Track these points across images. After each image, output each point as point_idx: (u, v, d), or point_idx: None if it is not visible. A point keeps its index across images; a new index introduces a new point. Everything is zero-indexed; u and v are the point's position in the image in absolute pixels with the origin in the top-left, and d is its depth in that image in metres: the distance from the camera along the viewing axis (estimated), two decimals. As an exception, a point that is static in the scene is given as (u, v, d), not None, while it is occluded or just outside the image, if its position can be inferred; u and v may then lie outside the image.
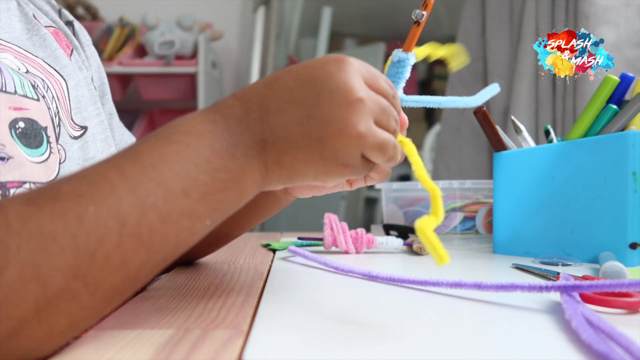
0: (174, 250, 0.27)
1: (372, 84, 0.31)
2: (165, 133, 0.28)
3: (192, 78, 1.74)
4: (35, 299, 0.22)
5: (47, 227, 0.23)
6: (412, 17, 0.34)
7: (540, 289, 0.32)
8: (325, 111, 0.29)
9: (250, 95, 0.30)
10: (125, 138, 0.61)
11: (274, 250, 0.64)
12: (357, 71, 0.30)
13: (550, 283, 0.32)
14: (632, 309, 0.32)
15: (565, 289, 0.32)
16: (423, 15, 0.34)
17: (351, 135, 0.29)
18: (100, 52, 1.70)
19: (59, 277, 0.23)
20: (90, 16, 1.87)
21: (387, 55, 2.50)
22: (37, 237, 0.23)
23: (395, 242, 0.64)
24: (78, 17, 1.83)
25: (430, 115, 2.53)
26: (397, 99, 0.34)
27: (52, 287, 0.23)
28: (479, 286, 0.34)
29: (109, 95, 0.58)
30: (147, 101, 1.88)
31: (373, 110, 0.31)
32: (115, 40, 1.73)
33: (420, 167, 0.32)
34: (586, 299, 0.32)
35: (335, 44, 2.43)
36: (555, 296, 0.36)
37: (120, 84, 1.76)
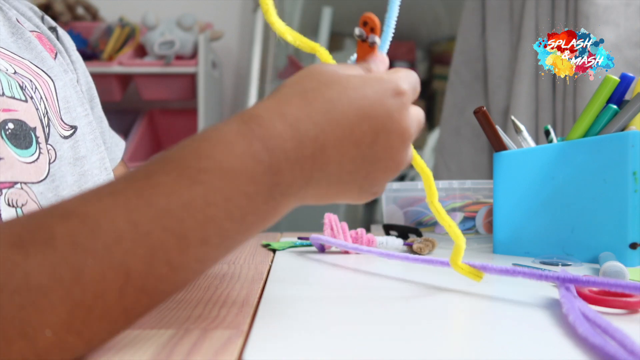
0: (179, 291, 0.25)
1: (415, 96, 0.32)
2: (190, 166, 0.23)
3: (192, 78, 1.74)
4: (23, 357, 0.20)
5: (36, 279, 0.20)
6: (356, 33, 0.33)
7: (540, 276, 0.34)
8: (379, 150, 0.29)
9: (306, 124, 0.26)
10: (116, 141, 0.61)
11: (274, 250, 0.64)
12: (410, 100, 0.30)
13: (550, 272, 0.33)
14: (632, 309, 0.32)
15: (563, 280, 0.33)
16: (374, 40, 0.33)
17: (397, 171, 0.31)
18: (100, 52, 1.70)
19: (50, 333, 0.20)
20: (90, 16, 1.87)
21: (387, 55, 2.50)
22: (24, 291, 0.20)
23: (395, 242, 0.64)
24: (78, 17, 1.83)
25: (430, 115, 2.53)
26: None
27: (42, 343, 0.20)
28: (484, 268, 0.38)
29: (97, 100, 0.58)
30: (147, 101, 1.87)
31: (416, 132, 0.31)
32: (115, 40, 1.73)
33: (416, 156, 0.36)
34: (586, 298, 0.32)
35: (335, 44, 2.42)
36: (554, 292, 0.36)
37: (120, 84, 1.76)
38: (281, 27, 0.32)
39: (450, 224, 0.37)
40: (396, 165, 0.30)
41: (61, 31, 0.56)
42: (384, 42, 0.35)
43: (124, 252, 0.22)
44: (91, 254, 0.21)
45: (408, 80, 0.30)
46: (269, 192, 0.25)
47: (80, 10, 1.85)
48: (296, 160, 0.25)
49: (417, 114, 0.32)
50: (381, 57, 0.34)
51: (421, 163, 0.37)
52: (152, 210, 0.22)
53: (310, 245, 0.67)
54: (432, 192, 0.37)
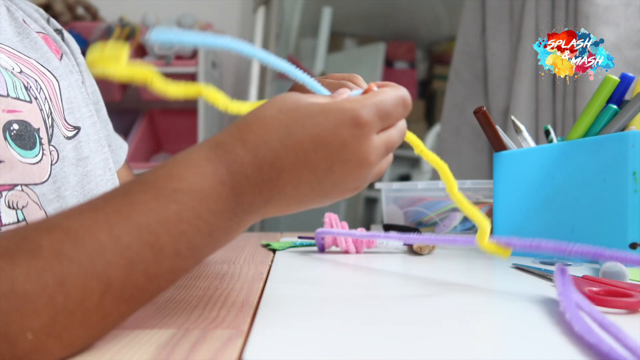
0: (154, 299, 0.27)
1: (386, 123, 0.31)
2: (165, 187, 0.26)
3: (192, 78, 1.74)
4: (1, 356, 0.21)
5: (22, 286, 0.22)
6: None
7: (564, 251, 0.34)
8: (336, 177, 0.29)
9: (263, 150, 0.28)
10: (119, 143, 0.62)
11: (274, 250, 0.64)
12: (372, 130, 0.29)
13: (574, 245, 0.33)
14: (632, 309, 0.32)
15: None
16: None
17: (357, 191, 0.32)
18: (100, 52, 1.70)
19: (31, 336, 0.22)
20: (90, 16, 1.87)
21: (388, 55, 2.51)
22: (9, 297, 0.21)
23: (395, 241, 0.64)
24: (78, 17, 1.83)
25: (430, 115, 2.53)
26: (407, 110, 0.33)
27: (22, 346, 0.21)
28: (509, 244, 0.38)
29: (102, 103, 0.59)
30: (147, 101, 1.88)
31: (381, 157, 0.31)
32: (115, 41, 1.73)
33: (424, 149, 0.37)
34: (586, 298, 0.32)
35: (335, 44, 2.43)
36: (552, 291, 0.36)
37: (120, 84, 1.76)
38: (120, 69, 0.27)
39: (473, 211, 0.38)
40: (355, 188, 0.31)
41: (67, 34, 0.57)
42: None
43: (106, 263, 0.24)
44: (75, 263, 0.23)
45: (376, 108, 0.30)
46: (232, 211, 0.27)
47: (80, 10, 1.85)
48: (256, 184, 0.27)
49: (382, 142, 0.31)
50: (358, 86, 0.35)
51: (434, 157, 0.37)
52: (131, 225, 0.25)
53: (310, 245, 0.67)
54: (451, 183, 0.38)
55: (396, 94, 0.31)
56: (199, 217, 0.26)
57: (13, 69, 0.42)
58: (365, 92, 0.33)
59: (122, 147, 0.62)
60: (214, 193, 0.26)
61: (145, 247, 0.24)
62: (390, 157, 0.34)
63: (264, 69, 1.80)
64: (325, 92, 0.35)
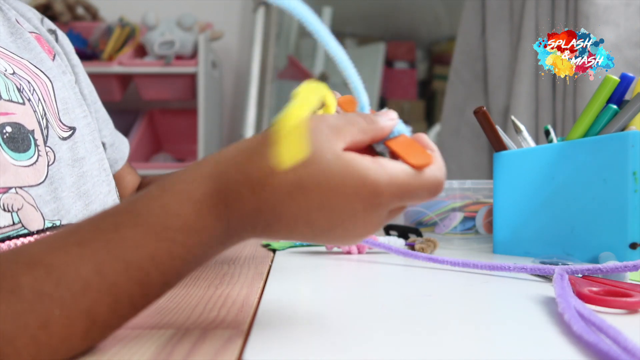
0: (138, 314, 0.26)
1: (405, 203, 0.27)
2: (159, 224, 0.24)
3: (192, 78, 1.74)
4: None
5: (1, 327, 0.21)
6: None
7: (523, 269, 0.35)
8: (333, 236, 0.27)
9: (268, 195, 0.25)
10: (121, 139, 0.63)
11: (274, 250, 0.64)
12: (386, 208, 0.26)
13: (535, 266, 0.33)
14: (632, 309, 0.32)
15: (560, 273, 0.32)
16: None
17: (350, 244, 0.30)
18: (100, 52, 1.70)
19: None
20: (90, 16, 1.87)
21: (388, 55, 2.51)
22: None
23: (397, 242, 0.64)
24: (78, 17, 1.83)
25: (430, 115, 2.53)
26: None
27: None
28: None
29: (99, 103, 0.59)
30: (147, 101, 1.88)
31: (385, 222, 0.28)
32: (115, 40, 1.73)
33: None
34: (586, 299, 0.32)
35: (335, 44, 2.42)
36: (550, 291, 0.36)
37: (120, 84, 1.76)
38: None
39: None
40: (354, 242, 0.28)
41: (61, 34, 0.56)
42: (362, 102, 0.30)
43: (91, 301, 0.23)
44: (57, 303, 0.22)
45: (401, 192, 0.26)
46: (222, 242, 0.27)
47: (80, 10, 1.85)
48: (250, 223, 0.26)
49: (390, 213, 0.28)
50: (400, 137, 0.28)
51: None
52: (119, 263, 0.23)
53: (310, 245, 0.67)
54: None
55: (434, 180, 0.26)
56: (190, 252, 0.25)
57: (6, 70, 0.42)
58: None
59: (124, 143, 0.63)
60: (207, 229, 0.25)
61: (134, 283, 0.24)
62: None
63: (264, 69, 1.80)
64: (366, 104, 0.30)
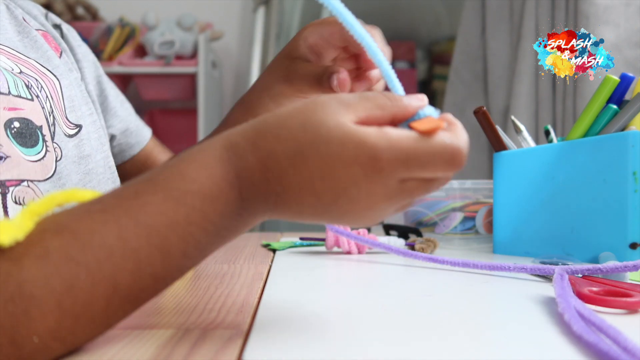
0: (157, 296, 0.27)
1: (416, 174, 0.26)
2: (176, 188, 0.25)
3: (192, 78, 1.74)
4: (7, 357, 0.21)
5: (29, 290, 0.22)
6: None
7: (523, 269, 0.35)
8: (342, 210, 0.26)
9: (272, 164, 0.26)
10: (135, 118, 0.64)
11: (274, 250, 0.64)
12: (390, 176, 0.25)
13: (535, 266, 0.33)
14: (632, 309, 0.32)
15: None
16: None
17: (369, 225, 0.29)
18: (100, 52, 1.70)
19: (37, 339, 0.22)
20: (90, 16, 1.87)
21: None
22: (17, 300, 0.22)
23: (397, 242, 0.64)
24: (78, 17, 1.83)
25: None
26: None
27: (27, 348, 0.22)
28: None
29: (111, 84, 0.61)
30: (147, 101, 1.88)
31: (397, 204, 0.27)
32: (115, 40, 1.73)
33: None
34: (587, 298, 0.32)
35: (335, 44, 2.42)
36: (550, 291, 0.36)
37: (120, 84, 1.76)
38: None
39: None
40: (367, 222, 0.28)
41: (66, 28, 0.56)
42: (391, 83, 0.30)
43: (114, 267, 0.23)
44: (83, 267, 0.23)
45: (405, 155, 0.25)
46: (239, 213, 0.27)
47: (80, 10, 1.85)
48: (262, 192, 0.26)
49: (402, 190, 0.26)
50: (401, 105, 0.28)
51: None
52: (140, 228, 0.24)
53: (310, 245, 0.67)
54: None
55: (443, 147, 0.25)
56: (207, 219, 0.26)
57: (13, 70, 0.42)
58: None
59: (145, 127, 0.65)
60: (222, 196, 0.26)
61: (154, 250, 0.24)
62: (412, 201, 0.29)
63: (263, 69, 1.80)
64: (401, 90, 0.30)
